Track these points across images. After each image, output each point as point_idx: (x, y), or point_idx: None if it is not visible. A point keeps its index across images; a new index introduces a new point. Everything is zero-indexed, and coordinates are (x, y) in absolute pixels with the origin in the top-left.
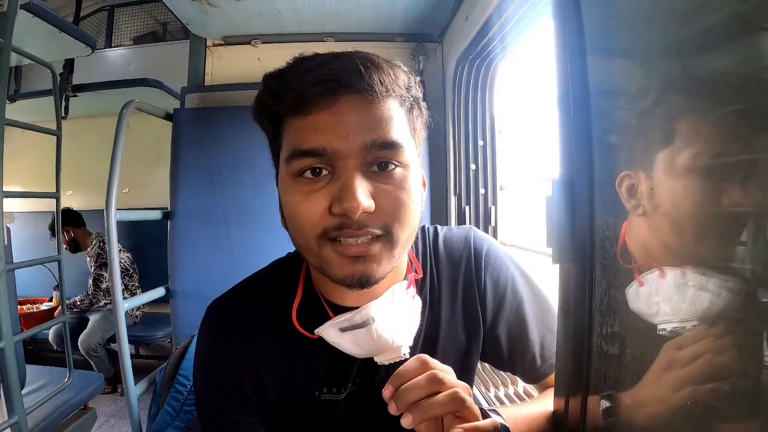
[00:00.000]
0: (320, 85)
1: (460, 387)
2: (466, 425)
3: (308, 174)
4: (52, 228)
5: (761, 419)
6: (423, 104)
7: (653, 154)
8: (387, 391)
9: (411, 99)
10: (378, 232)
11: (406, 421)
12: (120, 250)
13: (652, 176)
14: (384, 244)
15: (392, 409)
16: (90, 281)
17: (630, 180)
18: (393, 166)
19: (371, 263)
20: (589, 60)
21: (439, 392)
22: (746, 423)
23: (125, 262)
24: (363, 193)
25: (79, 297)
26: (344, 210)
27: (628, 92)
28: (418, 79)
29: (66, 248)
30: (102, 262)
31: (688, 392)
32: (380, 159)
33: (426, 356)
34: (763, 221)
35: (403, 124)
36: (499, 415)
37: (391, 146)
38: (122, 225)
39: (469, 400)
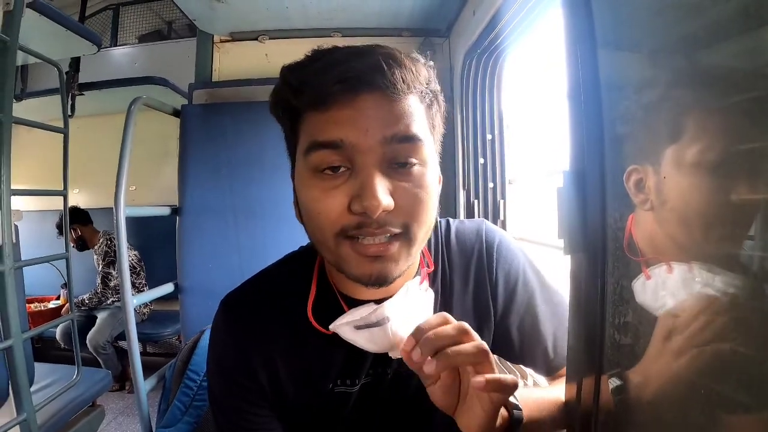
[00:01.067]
0: (342, 83)
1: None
2: (489, 375)
3: (327, 171)
4: (59, 226)
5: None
6: (441, 97)
7: (663, 148)
8: (408, 344)
9: (431, 94)
10: (397, 231)
11: (429, 368)
12: (128, 248)
13: (660, 171)
14: (402, 243)
15: (416, 355)
16: (98, 279)
17: (638, 174)
18: (412, 163)
19: (389, 262)
20: (600, 53)
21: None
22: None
23: (132, 260)
24: (383, 191)
25: (87, 295)
26: (364, 208)
27: (638, 85)
28: (432, 64)
29: (73, 246)
30: (110, 260)
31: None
32: (400, 154)
33: (448, 314)
34: None
35: (422, 120)
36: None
37: (411, 140)
38: (129, 223)
39: (492, 356)
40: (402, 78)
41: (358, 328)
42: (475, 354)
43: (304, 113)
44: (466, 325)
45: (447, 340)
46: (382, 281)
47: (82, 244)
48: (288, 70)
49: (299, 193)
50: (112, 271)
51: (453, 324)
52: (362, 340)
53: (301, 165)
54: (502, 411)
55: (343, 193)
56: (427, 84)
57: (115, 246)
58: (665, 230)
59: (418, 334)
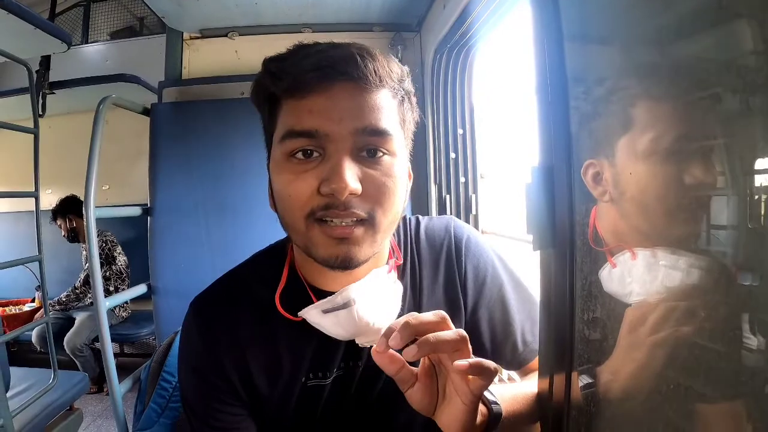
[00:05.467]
0: (317, 71)
1: None
2: (470, 359)
3: (300, 155)
4: (54, 212)
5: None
6: (413, 99)
7: (616, 140)
8: (387, 332)
9: (403, 92)
10: (362, 215)
11: (409, 352)
12: (119, 254)
13: (615, 163)
14: (367, 228)
15: (394, 340)
16: (81, 276)
17: (594, 168)
18: (381, 153)
19: (353, 246)
20: (567, 46)
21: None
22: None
23: (121, 265)
24: (351, 175)
25: (64, 293)
26: (332, 190)
27: (604, 79)
28: (407, 69)
29: (64, 236)
30: (101, 260)
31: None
32: (369, 145)
33: (445, 314)
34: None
35: (393, 114)
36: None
37: (381, 133)
38: (108, 223)
39: (469, 347)
40: (374, 70)
41: (326, 312)
42: (457, 341)
43: (281, 100)
44: (444, 314)
45: (428, 327)
46: (347, 263)
47: (74, 236)
48: (269, 60)
49: (273, 178)
50: (105, 273)
51: (435, 312)
52: (329, 325)
53: (277, 151)
54: (481, 408)
55: (313, 177)
56: (399, 81)
57: (109, 246)
58: (626, 219)
59: (404, 326)
